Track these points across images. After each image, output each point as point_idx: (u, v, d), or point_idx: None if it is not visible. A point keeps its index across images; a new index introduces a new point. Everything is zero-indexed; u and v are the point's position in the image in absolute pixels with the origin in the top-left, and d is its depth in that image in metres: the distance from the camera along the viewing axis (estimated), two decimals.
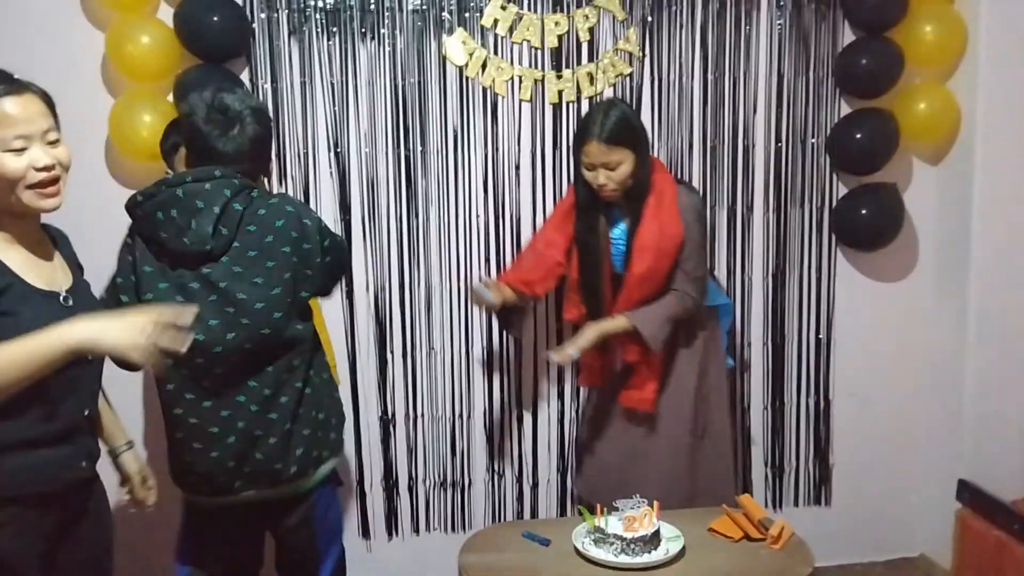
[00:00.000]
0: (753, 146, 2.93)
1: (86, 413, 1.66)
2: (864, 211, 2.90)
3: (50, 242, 1.67)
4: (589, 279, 2.49)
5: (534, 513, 3.02)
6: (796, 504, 3.13)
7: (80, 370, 1.60)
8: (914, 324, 3.09)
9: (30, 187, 1.51)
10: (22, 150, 1.48)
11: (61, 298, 1.59)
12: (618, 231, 2.46)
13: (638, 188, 2.37)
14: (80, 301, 1.64)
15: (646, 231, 2.37)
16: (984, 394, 2.93)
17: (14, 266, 1.54)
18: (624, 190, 2.38)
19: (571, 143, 2.42)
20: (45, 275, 1.60)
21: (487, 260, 2.87)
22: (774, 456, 3.11)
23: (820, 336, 3.06)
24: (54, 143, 1.54)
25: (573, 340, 2.44)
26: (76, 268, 1.74)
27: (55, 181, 1.53)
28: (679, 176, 2.86)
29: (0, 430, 1.52)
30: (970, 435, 2.96)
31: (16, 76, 1.53)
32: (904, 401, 3.13)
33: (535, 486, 3.01)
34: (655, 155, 2.70)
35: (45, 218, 1.69)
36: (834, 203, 2.98)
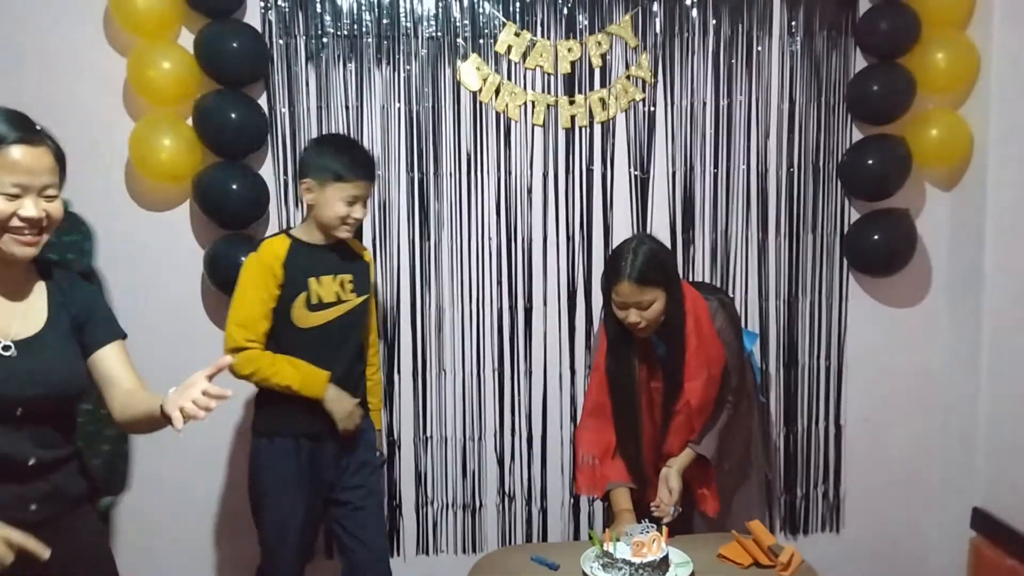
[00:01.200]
0: (765, 171, 2.94)
1: (31, 462, 1.57)
2: (876, 236, 2.90)
3: (35, 285, 1.62)
4: (622, 413, 2.37)
5: (544, 536, 3.01)
6: (807, 531, 3.11)
7: (8, 422, 1.53)
8: (927, 350, 3.07)
9: (9, 231, 1.49)
10: (15, 197, 1.48)
11: (2, 348, 1.53)
12: (661, 350, 2.35)
13: (672, 322, 2.28)
14: (31, 353, 1.55)
15: (694, 364, 2.30)
16: (998, 421, 2.90)
17: None
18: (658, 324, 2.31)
19: (601, 280, 2.33)
20: None
21: (499, 283, 2.89)
22: (785, 481, 3.09)
23: (832, 361, 3.05)
24: (50, 198, 1.53)
25: (662, 493, 2.30)
26: (63, 317, 1.64)
27: (37, 234, 1.52)
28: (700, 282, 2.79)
29: None
30: (984, 463, 2.93)
31: (38, 126, 1.53)
32: (917, 428, 3.11)
33: (544, 509, 3.01)
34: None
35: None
36: (846, 228, 2.98)
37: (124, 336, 1.75)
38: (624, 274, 2.21)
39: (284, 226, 2.78)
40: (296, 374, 2.30)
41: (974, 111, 2.88)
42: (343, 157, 2.29)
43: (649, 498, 2.35)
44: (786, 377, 3.04)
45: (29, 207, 1.48)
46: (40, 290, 1.62)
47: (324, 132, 2.77)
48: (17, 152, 1.46)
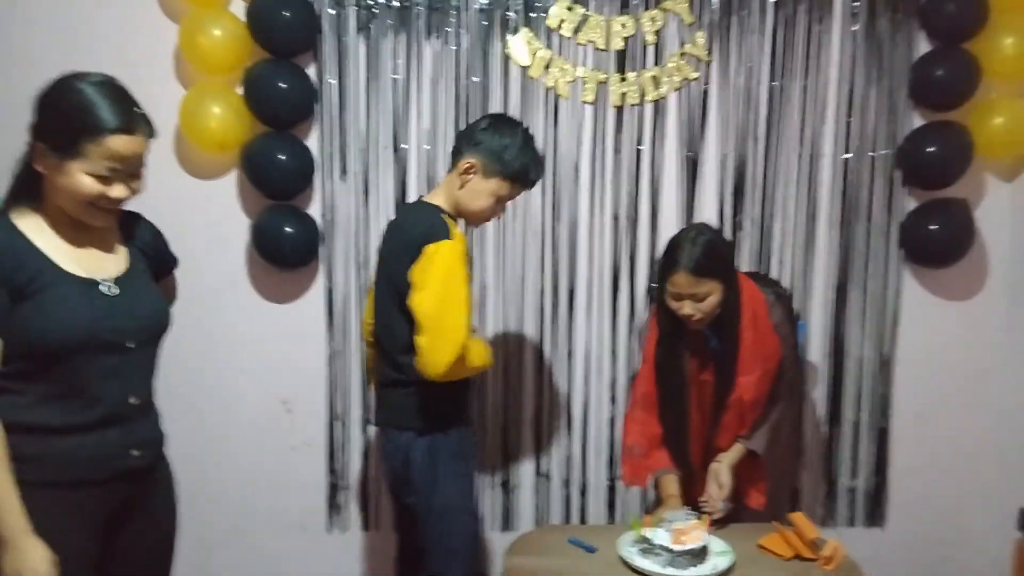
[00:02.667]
0: (820, 156, 2.86)
1: (131, 401, 1.67)
2: (933, 227, 2.81)
3: (110, 230, 1.69)
4: (670, 405, 2.35)
5: (581, 518, 3.00)
6: (851, 524, 3.05)
7: (118, 358, 1.62)
8: (980, 346, 2.98)
9: (95, 207, 1.57)
10: (107, 179, 1.55)
11: (102, 287, 1.62)
12: (713, 343, 2.30)
13: (728, 314, 2.23)
14: (128, 290, 1.66)
15: (749, 358, 2.24)
16: None
17: (48, 251, 1.58)
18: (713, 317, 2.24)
19: (657, 270, 2.28)
20: (86, 262, 1.62)
21: (542, 262, 2.86)
22: (829, 473, 3.03)
23: (882, 354, 2.98)
24: (136, 176, 1.60)
25: (711, 488, 2.26)
26: (139, 256, 1.75)
27: (116, 211, 1.61)
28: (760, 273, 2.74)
29: (41, 415, 1.56)
30: None
31: (136, 108, 1.57)
32: (968, 426, 3.03)
33: (583, 491, 2.99)
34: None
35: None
36: (902, 217, 2.90)
37: (176, 264, 1.93)
38: (681, 264, 2.15)
39: (330, 197, 2.77)
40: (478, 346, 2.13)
41: None
42: (530, 159, 2.14)
43: (696, 493, 2.31)
44: (833, 368, 2.97)
45: (118, 190, 1.57)
46: (115, 232, 1.71)
47: (372, 104, 2.74)
48: (118, 142, 1.53)
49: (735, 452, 2.31)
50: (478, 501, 2.30)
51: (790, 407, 2.37)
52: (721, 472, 2.28)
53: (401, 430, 2.15)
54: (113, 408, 1.63)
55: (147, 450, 1.72)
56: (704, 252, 2.15)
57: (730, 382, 2.26)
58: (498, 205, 2.14)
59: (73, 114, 1.52)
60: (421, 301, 1.95)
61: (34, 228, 1.58)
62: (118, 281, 1.65)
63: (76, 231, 1.62)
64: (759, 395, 2.27)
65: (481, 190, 2.09)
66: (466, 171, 2.08)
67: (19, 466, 1.54)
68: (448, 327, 1.94)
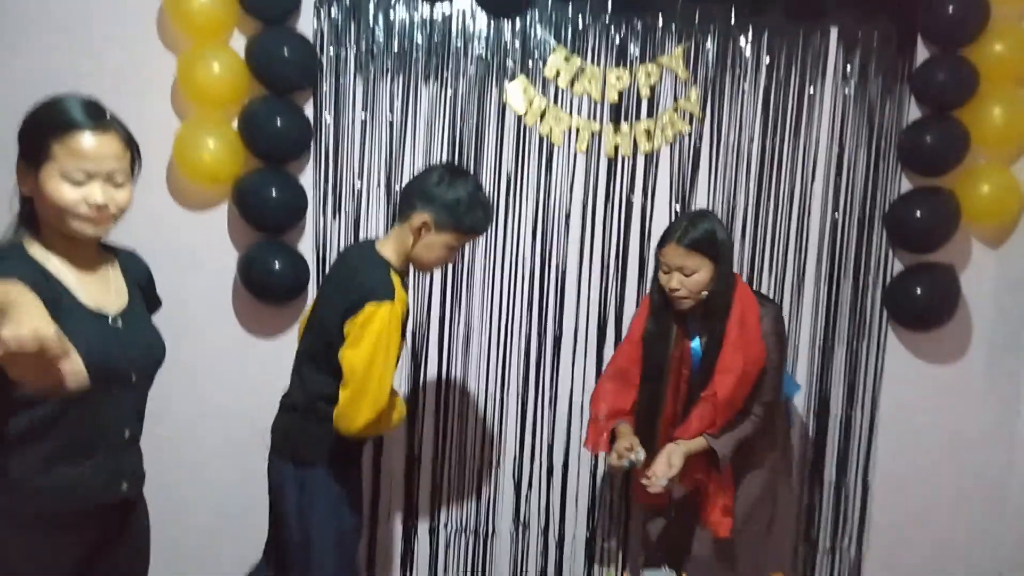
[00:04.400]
0: (808, 214, 2.89)
1: (127, 435, 1.67)
2: (919, 290, 2.83)
3: (110, 263, 1.69)
4: (650, 381, 2.38)
5: (558, 571, 2.95)
6: None
7: (121, 391, 1.62)
8: (963, 411, 2.99)
9: (78, 217, 1.52)
10: (82, 183, 1.50)
11: (110, 319, 1.61)
12: (695, 344, 2.33)
13: (715, 304, 2.25)
14: (130, 323, 1.65)
15: (730, 355, 2.23)
16: None
17: (63, 279, 1.56)
18: (699, 303, 2.27)
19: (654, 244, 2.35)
20: (95, 295, 1.62)
21: (529, 308, 2.86)
22: (808, 534, 3.01)
23: (865, 414, 2.98)
24: (119, 185, 1.55)
25: (659, 465, 2.24)
26: (136, 291, 1.73)
27: (104, 219, 1.55)
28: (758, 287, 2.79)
29: (35, 448, 1.53)
30: (1015, 530, 2.85)
31: (108, 113, 1.55)
32: (947, 489, 3.02)
33: (560, 542, 2.95)
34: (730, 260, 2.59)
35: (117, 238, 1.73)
36: (888, 279, 2.92)
37: (158, 308, 1.87)
38: (674, 236, 2.22)
39: (321, 234, 2.77)
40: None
41: None
42: (482, 210, 2.12)
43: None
44: (817, 427, 2.97)
45: (96, 193, 1.51)
46: (114, 266, 1.70)
47: (367, 142, 2.76)
48: (84, 139, 1.49)
49: (696, 443, 2.28)
50: (352, 546, 2.22)
51: (765, 434, 2.33)
52: (675, 453, 2.25)
53: (283, 458, 2.14)
54: (110, 440, 1.63)
55: (135, 483, 1.71)
56: (698, 228, 2.22)
57: (708, 375, 2.26)
58: (451, 254, 2.15)
59: (42, 117, 1.50)
60: (352, 357, 1.95)
61: (42, 254, 1.56)
62: (122, 314, 1.64)
63: (78, 262, 1.60)
64: (734, 396, 2.24)
65: (435, 244, 2.09)
66: (420, 228, 2.07)
67: (15, 498, 1.51)
68: (372, 388, 1.94)
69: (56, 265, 1.57)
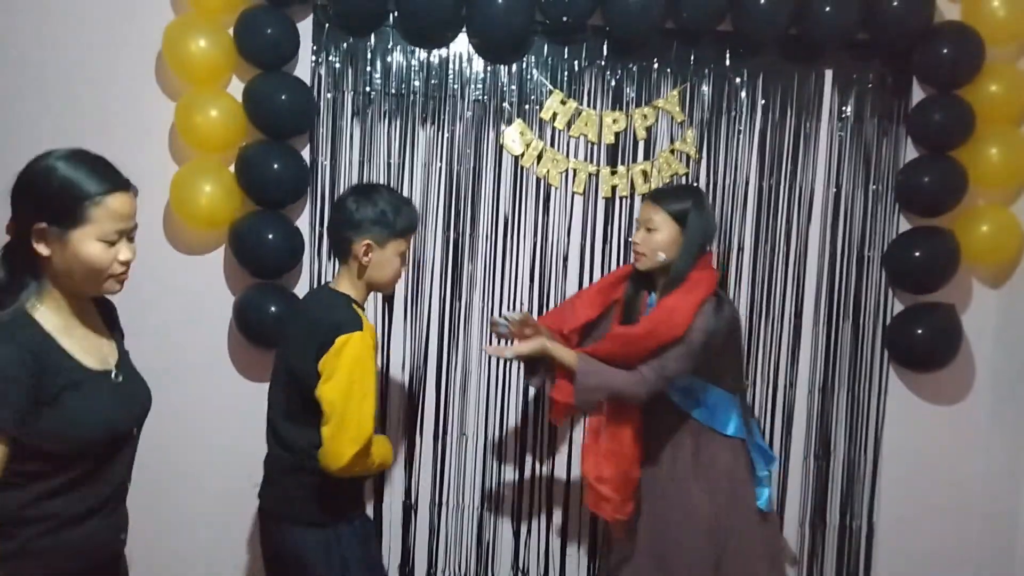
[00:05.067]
0: (806, 255, 2.88)
1: (126, 486, 1.67)
2: (920, 330, 2.81)
3: (97, 314, 1.69)
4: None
5: None
6: None
7: (125, 444, 1.63)
8: (967, 450, 2.95)
9: (111, 276, 1.56)
10: (113, 243, 1.54)
11: (112, 375, 1.61)
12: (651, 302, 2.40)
13: (674, 274, 2.28)
14: (127, 374, 1.65)
15: (659, 307, 2.27)
16: None
17: (69, 347, 1.54)
18: (659, 269, 2.31)
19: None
20: (96, 352, 1.61)
21: None
22: (814, 573, 2.96)
23: (868, 455, 2.94)
24: (132, 239, 1.60)
25: (518, 344, 2.32)
26: (118, 335, 1.74)
27: (126, 276, 1.60)
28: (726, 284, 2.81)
29: (50, 507, 1.51)
30: (1023, 571, 2.80)
31: (120, 171, 1.58)
32: (952, 531, 2.97)
33: None
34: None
35: (126, 291, 1.71)
36: (888, 320, 2.90)
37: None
38: (651, 193, 2.38)
39: (317, 278, 2.76)
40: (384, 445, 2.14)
41: None
42: (406, 206, 2.14)
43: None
44: (817, 468, 2.93)
45: (125, 251, 1.56)
46: (98, 315, 1.70)
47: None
48: (116, 201, 1.53)
49: (566, 353, 2.32)
50: None
51: (635, 392, 2.26)
52: (537, 343, 2.30)
53: (295, 524, 2.07)
54: (113, 493, 1.63)
55: (127, 532, 1.70)
56: (676, 192, 2.36)
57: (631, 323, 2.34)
58: (403, 259, 2.14)
59: (65, 185, 1.50)
60: (329, 391, 1.93)
61: (49, 320, 1.54)
62: (118, 365, 1.64)
63: (79, 315, 1.60)
64: (634, 340, 2.24)
65: (386, 259, 2.08)
66: (364, 253, 2.05)
67: (23, 563, 1.49)
68: (352, 418, 1.92)
69: (62, 328, 1.55)
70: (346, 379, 1.92)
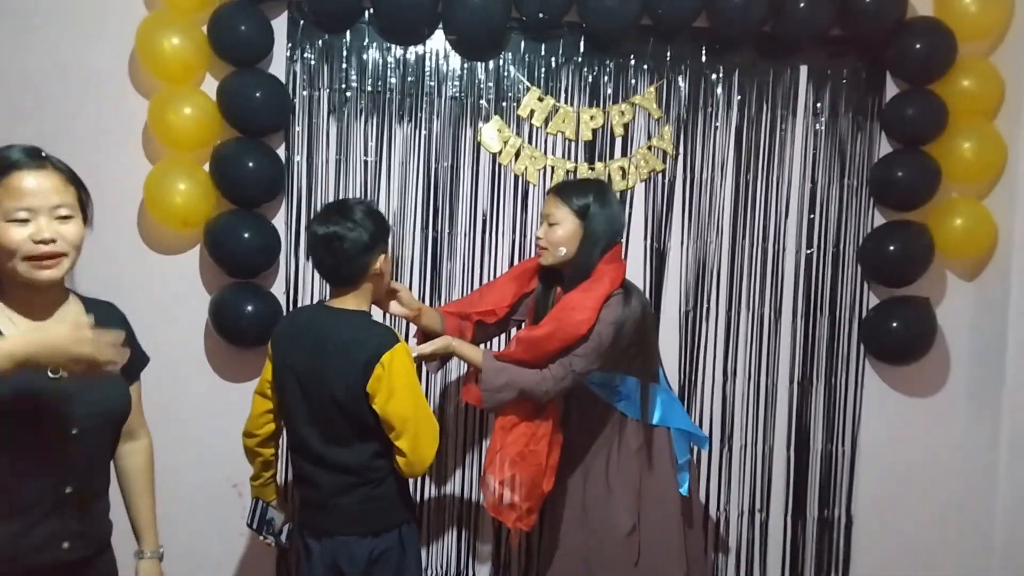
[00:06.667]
0: (783, 250, 2.90)
1: (68, 490, 1.58)
2: (895, 324, 2.84)
3: (79, 312, 1.63)
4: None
5: None
6: None
7: (57, 444, 1.56)
8: (944, 442, 2.99)
9: (27, 258, 1.50)
10: (25, 221, 1.49)
11: (49, 371, 1.53)
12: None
13: (576, 269, 2.25)
14: (79, 378, 1.53)
15: (559, 306, 2.24)
16: (1017, 519, 2.81)
17: (10, 332, 1.52)
18: (565, 265, 2.28)
19: None
20: None
21: (508, 343, 2.83)
22: (792, 570, 2.98)
23: (845, 448, 2.96)
24: (64, 219, 1.53)
25: (424, 345, 2.26)
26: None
27: (53, 256, 1.52)
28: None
29: None
30: (1000, 562, 2.83)
31: (44, 153, 1.54)
32: (931, 522, 3.01)
33: None
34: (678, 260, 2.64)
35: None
36: (864, 313, 2.92)
37: (147, 363, 1.83)
38: (553, 187, 2.35)
39: (294, 277, 2.74)
40: None
41: (999, 202, 2.85)
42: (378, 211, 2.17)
43: None
44: (797, 462, 2.95)
45: (40, 228, 1.50)
46: (80, 315, 1.64)
47: (340, 184, 2.75)
48: (19, 178, 1.49)
49: (471, 349, 2.29)
50: None
51: (542, 388, 2.20)
52: (445, 343, 2.25)
53: (379, 532, 2.06)
54: (46, 497, 1.56)
55: (82, 543, 1.62)
56: (578, 186, 2.34)
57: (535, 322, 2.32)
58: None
59: None
60: (397, 407, 1.95)
61: None
62: None
63: (33, 312, 1.57)
64: (540, 342, 2.19)
65: (387, 268, 2.12)
66: (381, 265, 2.06)
67: None
68: (425, 424, 2.00)
69: (7, 315, 1.55)
70: (408, 391, 1.97)
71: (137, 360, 1.76)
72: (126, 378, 1.69)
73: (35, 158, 1.53)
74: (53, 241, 1.51)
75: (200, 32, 2.57)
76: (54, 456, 1.56)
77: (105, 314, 1.69)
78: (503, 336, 2.69)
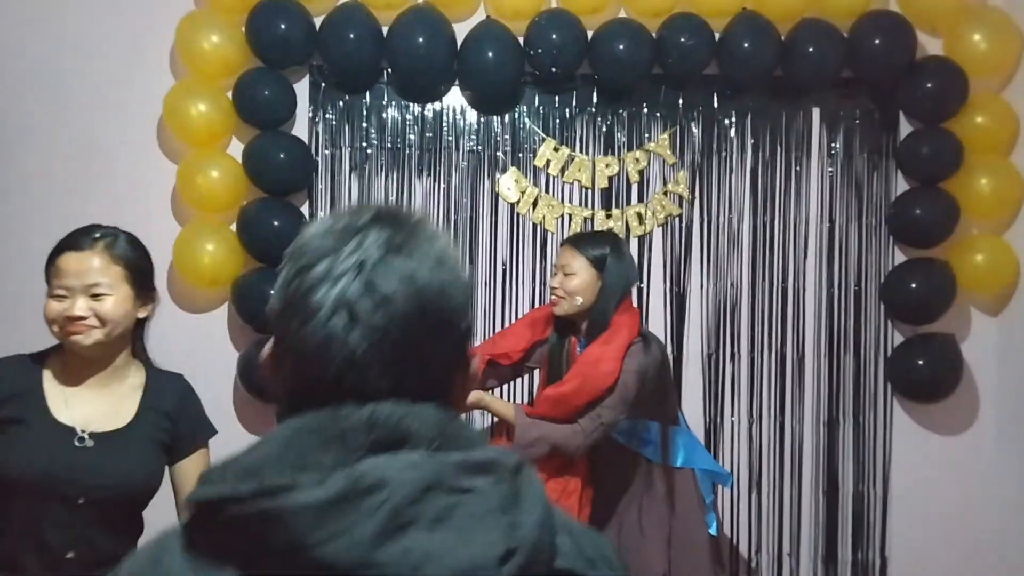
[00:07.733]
0: (804, 290, 2.90)
1: (70, 555, 1.59)
2: (921, 361, 2.82)
3: (130, 382, 1.69)
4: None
5: None
6: None
7: (66, 510, 1.58)
8: (976, 479, 2.93)
9: (64, 332, 1.62)
10: (63, 297, 1.61)
11: (77, 437, 1.61)
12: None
13: (594, 319, 2.27)
14: (107, 447, 1.61)
15: (582, 360, 2.25)
16: None
17: (48, 391, 1.63)
18: (578, 314, 2.30)
19: None
20: (80, 408, 1.63)
21: (530, 394, 2.86)
22: None
23: (876, 489, 2.93)
24: (98, 296, 1.61)
25: None
26: (152, 416, 1.69)
27: (85, 330, 1.61)
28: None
29: None
30: None
31: (99, 233, 1.64)
32: (965, 561, 2.94)
33: None
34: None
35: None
36: (889, 352, 2.91)
37: (211, 435, 1.80)
38: (569, 238, 2.40)
39: None
40: None
41: (1019, 236, 2.83)
42: None
43: None
44: (828, 504, 2.92)
45: (72, 306, 1.60)
46: (135, 387, 1.71)
47: None
48: (64, 259, 1.62)
49: (504, 406, 2.32)
50: None
51: (574, 443, 2.22)
52: (475, 392, 2.21)
53: None
54: (46, 561, 1.58)
55: None
56: (593, 238, 2.41)
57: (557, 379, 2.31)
58: None
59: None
60: None
61: (52, 368, 1.66)
62: (101, 435, 1.62)
63: (79, 375, 1.65)
64: (567, 398, 2.20)
65: None
66: None
67: None
68: None
69: (58, 378, 1.65)
70: None
71: (197, 433, 1.77)
72: (176, 452, 1.72)
73: (82, 239, 1.63)
74: (83, 318, 1.60)
75: (225, 98, 2.66)
76: (62, 522, 1.58)
77: (162, 385, 1.73)
78: (520, 385, 2.71)
